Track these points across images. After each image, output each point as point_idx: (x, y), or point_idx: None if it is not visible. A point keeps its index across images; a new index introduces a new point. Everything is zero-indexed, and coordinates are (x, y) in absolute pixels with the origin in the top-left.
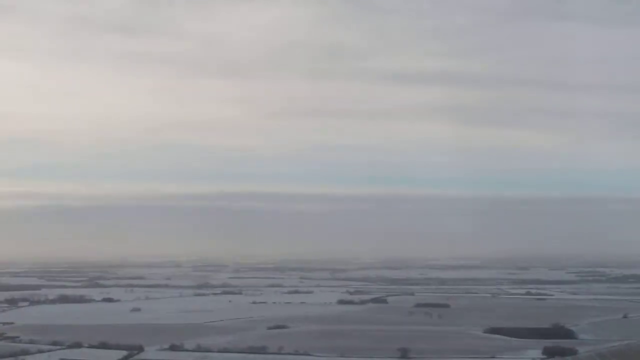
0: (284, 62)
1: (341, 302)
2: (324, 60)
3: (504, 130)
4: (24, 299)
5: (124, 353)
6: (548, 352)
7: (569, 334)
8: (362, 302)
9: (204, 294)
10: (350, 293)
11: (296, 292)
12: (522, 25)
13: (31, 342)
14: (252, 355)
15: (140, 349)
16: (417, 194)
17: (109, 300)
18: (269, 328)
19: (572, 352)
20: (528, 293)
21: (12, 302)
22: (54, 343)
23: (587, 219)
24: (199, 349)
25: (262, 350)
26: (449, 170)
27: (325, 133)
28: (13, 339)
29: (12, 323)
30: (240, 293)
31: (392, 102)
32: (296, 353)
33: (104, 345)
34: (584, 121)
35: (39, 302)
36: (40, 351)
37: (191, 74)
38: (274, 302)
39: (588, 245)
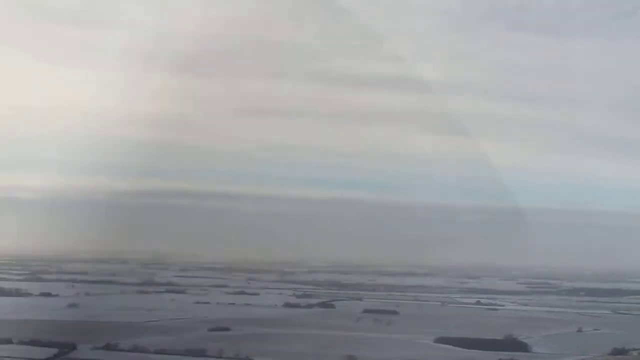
0: (238, 60)
1: (287, 305)
2: (278, 59)
3: (458, 138)
4: None
5: (55, 351)
6: None
7: (522, 347)
8: (309, 306)
9: (147, 292)
10: (297, 296)
11: (242, 293)
12: (479, 32)
13: None
14: (189, 358)
15: (73, 347)
16: (368, 199)
17: (47, 294)
18: (210, 330)
19: None
20: (478, 302)
21: None
22: None
23: (535, 230)
24: (135, 349)
25: (201, 352)
26: (400, 176)
27: (279, 133)
28: None
29: None
30: (184, 292)
31: (345, 105)
32: (236, 357)
33: (34, 342)
34: (536, 133)
35: None
36: None
37: (143, 67)
38: (218, 303)
39: (536, 256)
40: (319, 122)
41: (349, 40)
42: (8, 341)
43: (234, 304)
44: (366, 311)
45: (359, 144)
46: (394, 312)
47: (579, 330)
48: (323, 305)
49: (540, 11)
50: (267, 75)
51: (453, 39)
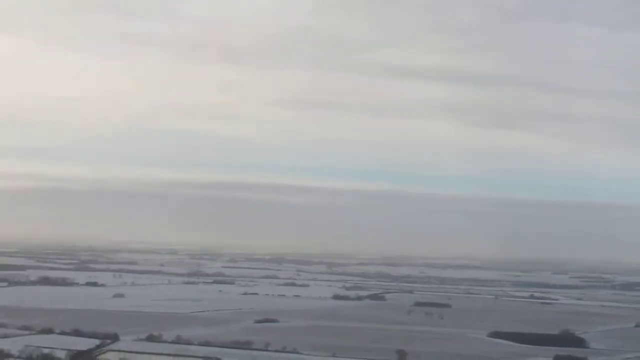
0: (285, 51)
1: (337, 297)
2: (325, 50)
3: (507, 131)
4: (3, 279)
5: (97, 342)
6: None
7: (579, 342)
8: (359, 298)
9: (194, 283)
10: (347, 288)
11: (291, 284)
12: (527, 24)
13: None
14: (235, 350)
15: (115, 337)
16: (419, 192)
17: (94, 284)
18: (257, 321)
19: None
20: (532, 297)
21: None
22: (24, 327)
23: (588, 224)
24: (178, 340)
25: (246, 345)
26: (451, 169)
27: (325, 125)
28: None
29: None
30: (232, 283)
31: (393, 96)
32: (283, 350)
33: (76, 332)
34: (587, 126)
35: (18, 283)
36: (6, 336)
37: (188, 58)
38: (266, 294)
39: (589, 250)
40: (369, 114)
41: (397, 32)
42: (49, 331)
43: (283, 295)
44: (417, 304)
45: (410, 137)
46: (447, 305)
47: (637, 326)
48: (373, 297)
49: (589, 3)
50: (315, 66)
51: (502, 31)
